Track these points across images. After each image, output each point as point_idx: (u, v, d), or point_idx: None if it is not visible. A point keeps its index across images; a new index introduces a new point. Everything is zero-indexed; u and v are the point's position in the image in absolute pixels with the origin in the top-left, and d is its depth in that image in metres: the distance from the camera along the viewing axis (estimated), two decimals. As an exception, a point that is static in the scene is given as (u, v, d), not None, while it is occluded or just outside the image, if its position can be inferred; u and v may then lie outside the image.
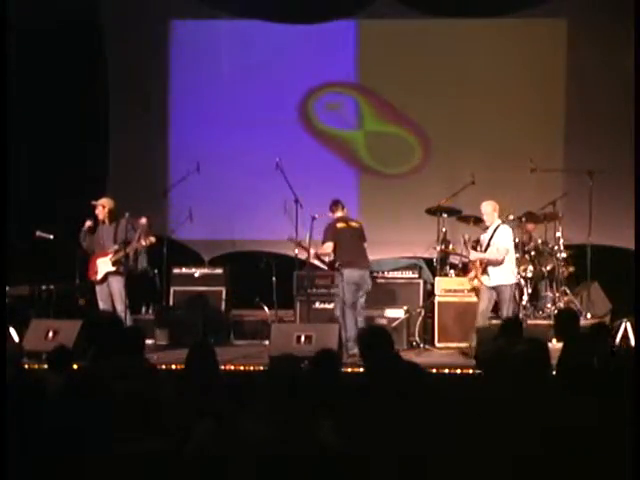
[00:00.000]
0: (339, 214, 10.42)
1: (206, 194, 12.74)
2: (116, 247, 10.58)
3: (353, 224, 10.49)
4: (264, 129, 13.30)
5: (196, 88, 13.43)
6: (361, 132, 13.77)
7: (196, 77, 13.42)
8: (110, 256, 10.57)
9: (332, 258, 10.31)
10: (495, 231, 10.15)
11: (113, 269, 10.56)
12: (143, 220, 10.60)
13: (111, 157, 13.49)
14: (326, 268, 10.76)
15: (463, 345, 10.40)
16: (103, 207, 10.74)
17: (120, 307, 10.43)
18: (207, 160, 12.17)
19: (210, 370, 5.80)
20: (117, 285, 10.53)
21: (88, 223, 10.70)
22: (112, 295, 10.59)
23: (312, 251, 10.44)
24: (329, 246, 10.24)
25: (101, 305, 10.68)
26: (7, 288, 10.02)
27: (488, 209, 10.22)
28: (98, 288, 10.71)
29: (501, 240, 10.09)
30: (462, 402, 4.97)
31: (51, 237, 11.18)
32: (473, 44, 13.07)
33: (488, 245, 10.14)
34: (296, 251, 10.92)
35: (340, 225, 10.35)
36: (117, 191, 12.94)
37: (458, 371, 9.15)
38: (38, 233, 11.20)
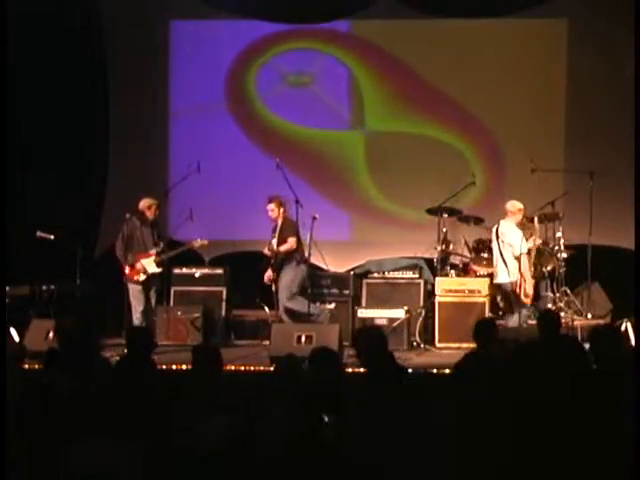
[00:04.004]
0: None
1: (206, 194, 12.73)
2: (158, 249, 10.65)
3: None
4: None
5: (197, 88, 13.41)
6: (359, 133, 13.31)
7: (197, 77, 13.40)
8: (153, 257, 10.64)
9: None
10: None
11: (159, 270, 10.64)
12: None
13: (111, 157, 13.48)
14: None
15: (464, 345, 10.39)
16: (157, 207, 10.76)
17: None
18: (208, 160, 12.15)
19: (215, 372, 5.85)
20: (156, 285, 10.77)
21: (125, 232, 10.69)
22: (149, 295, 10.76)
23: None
24: (294, 241, 10.72)
25: (134, 303, 10.68)
26: (7, 288, 10.02)
27: None
28: (137, 288, 10.70)
29: None
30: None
31: (51, 237, 11.18)
32: (472, 44, 13.03)
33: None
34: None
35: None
36: (117, 191, 12.96)
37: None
38: (38, 233, 11.21)
